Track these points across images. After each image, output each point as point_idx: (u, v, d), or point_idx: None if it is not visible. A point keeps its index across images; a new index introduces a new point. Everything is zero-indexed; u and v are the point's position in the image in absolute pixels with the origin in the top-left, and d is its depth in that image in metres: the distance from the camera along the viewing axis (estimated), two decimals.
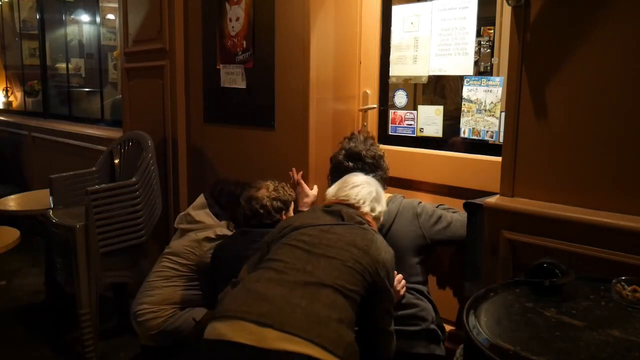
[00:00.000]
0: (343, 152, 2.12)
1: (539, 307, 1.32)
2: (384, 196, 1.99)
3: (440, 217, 2.07)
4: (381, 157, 2.13)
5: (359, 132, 2.22)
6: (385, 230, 2.02)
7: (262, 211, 2.16)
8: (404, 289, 1.97)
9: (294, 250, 1.64)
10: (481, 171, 2.16)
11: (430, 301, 2.06)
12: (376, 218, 1.91)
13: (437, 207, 2.16)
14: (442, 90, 2.55)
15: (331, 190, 1.95)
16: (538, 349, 1.13)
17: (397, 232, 2.04)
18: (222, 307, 1.52)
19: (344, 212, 1.80)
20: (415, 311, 1.98)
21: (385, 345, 1.73)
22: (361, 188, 1.90)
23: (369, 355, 1.67)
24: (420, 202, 2.13)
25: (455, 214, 2.11)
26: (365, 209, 1.86)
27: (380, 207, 1.92)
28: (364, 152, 2.08)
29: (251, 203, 2.19)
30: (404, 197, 2.19)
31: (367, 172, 2.04)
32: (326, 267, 1.56)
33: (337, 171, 2.10)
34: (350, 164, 2.07)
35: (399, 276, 1.94)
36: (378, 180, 2.04)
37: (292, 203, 2.30)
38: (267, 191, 2.20)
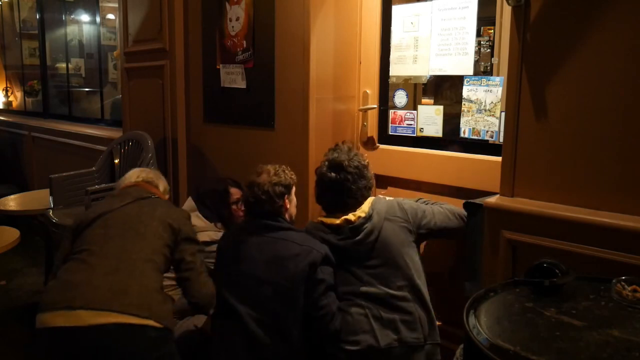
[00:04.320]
0: (326, 163, 2.09)
1: (539, 307, 1.32)
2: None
3: (424, 212, 2.06)
4: (365, 166, 2.09)
5: (343, 142, 2.19)
6: (377, 232, 1.99)
7: (264, 197, 2.07)
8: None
9: (95, 238, 1.92)
10: (481, 171, 2.17)
11: (428, 310, 2.00)
12: (156, 185, 2.26)
13: (416, 201, 2.16)
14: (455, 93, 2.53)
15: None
16: (538, 349, 1.13)
17: (388, 232, 2.00)
18: (42, 300, 1.77)
19: (131, 190, 2.15)
20: (409, 318, 1.95)
21: (194, 281, 1.96)
22: (135, 171, 2.29)
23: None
24: (400, 199, 2.13)
25: (434, 206, 2.11)
26: (147, 180, 2.23)
27: (148, 174, 2.29)
28: (346, 162, 2.04)
29: (253, 189, 2.10)
30: (383, 197, 2.18)
31: (350, 182, 2.03)
32: (122, 245, 1.87)
33: (321, 182, 2.08)
34: (333, 174, 2.04)
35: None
36: (362, 190, 2.05)
37: (294, 187, 2.22)
38: (268, 176, 2.10)
